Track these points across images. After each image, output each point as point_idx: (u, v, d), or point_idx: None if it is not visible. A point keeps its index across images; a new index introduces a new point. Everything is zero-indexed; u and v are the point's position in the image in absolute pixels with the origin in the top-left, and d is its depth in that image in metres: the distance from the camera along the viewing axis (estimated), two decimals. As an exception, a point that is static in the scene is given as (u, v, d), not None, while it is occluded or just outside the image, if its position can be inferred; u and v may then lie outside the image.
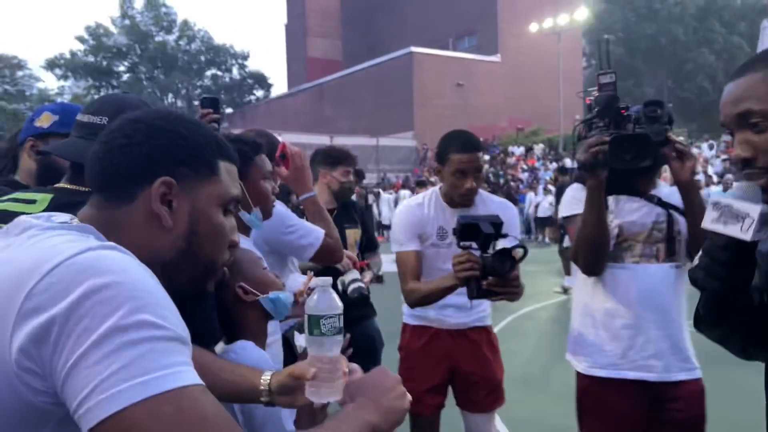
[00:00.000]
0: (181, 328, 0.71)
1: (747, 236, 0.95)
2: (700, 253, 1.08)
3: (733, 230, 0.97)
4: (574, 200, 2.08)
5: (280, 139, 2.42)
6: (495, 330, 2.56)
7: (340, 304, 1.01)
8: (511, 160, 25.08)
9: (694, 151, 19.12)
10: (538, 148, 25.46)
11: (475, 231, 1.92)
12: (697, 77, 39.19)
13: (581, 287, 2.12)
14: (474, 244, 1.94)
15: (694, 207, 1.92)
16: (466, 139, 2.24)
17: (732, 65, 38.94)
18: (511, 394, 4.47)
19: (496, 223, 1.94)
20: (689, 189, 1.93)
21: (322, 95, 37.83)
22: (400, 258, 2.29)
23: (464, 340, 2.39)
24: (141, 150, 0.84)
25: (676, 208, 1.99)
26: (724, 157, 17.19)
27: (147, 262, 0.77)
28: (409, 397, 0.97)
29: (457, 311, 2.35)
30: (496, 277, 1.90)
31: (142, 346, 0.66)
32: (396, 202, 17.84)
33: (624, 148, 1.82)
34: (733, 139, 1.04)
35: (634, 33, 39.71)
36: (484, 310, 2.43)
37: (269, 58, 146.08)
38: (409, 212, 2.34)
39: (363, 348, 2.36)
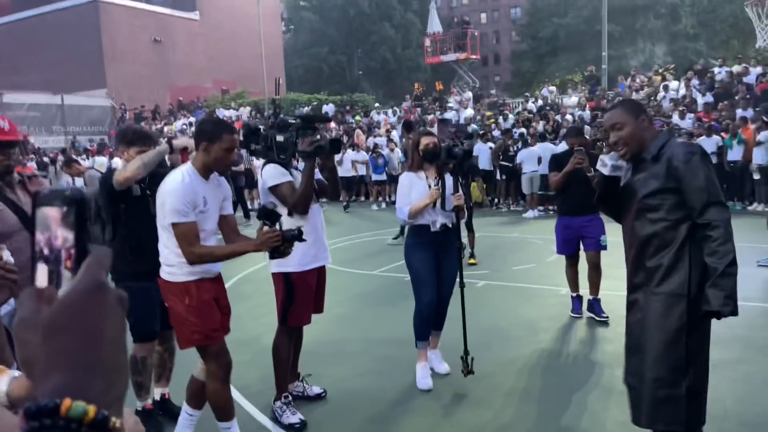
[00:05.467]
0: None
1: (606, 173, 2.60)
2: (597, 177, 2.83)
3: (603, 170, 2.61)
4: (278, 173, 3.42)
5: None
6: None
7: None
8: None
9: (382, 116, 21.60)
10: (245, 111, 25.59)
11: (272, 213, 2.87)
12: (381, 48, 43.71)
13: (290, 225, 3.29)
14: (268, 221, 2.89)
15: None
16: (230, 124, 3.07)
17: (408, 39, 44.49)
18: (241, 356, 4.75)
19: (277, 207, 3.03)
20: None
21: (-18, 42, 31.39)
22: (185, 227, 2.82)
23: (222, 282, 3.15)
24: None
25: None
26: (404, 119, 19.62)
27: None
28: None
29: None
30: (290, 244, 2.86)
31: None
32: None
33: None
34: (609, 137, 2.63)
35: (327, 2, 42.20)
36: None
37: None
38: (186, 188, 2.83)
39: None
